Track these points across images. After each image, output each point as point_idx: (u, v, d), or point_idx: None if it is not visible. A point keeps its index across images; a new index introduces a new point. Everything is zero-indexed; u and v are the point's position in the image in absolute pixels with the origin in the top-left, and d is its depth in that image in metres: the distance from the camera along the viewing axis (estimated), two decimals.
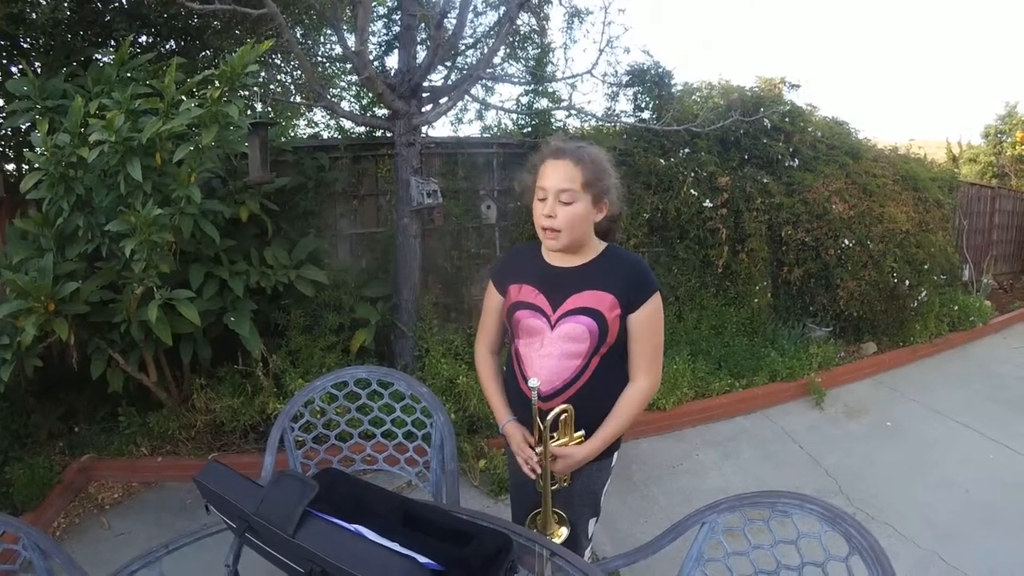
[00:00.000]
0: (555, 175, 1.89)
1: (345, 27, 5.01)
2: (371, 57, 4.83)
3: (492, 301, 2.19)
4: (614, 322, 1.91)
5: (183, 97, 3.20)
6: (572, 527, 2.12)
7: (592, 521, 2.18)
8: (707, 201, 5.81)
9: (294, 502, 1.14)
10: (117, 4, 4.46)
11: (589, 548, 2.24)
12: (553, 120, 5.64)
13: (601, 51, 4.90)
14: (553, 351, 1.94)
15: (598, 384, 1.96)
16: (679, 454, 4.50)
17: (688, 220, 5.77)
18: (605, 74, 5.89)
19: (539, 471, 1.93)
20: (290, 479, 1.19)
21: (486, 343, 2.25)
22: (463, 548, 1.44)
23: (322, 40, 6.80)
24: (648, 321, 1.94)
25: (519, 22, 5.33)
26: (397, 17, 5.41)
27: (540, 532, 1.94)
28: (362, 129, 5.65)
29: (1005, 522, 3.68)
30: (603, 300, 1.91)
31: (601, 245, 2.04)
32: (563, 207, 1.88)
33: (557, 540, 1.90)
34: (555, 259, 2.02)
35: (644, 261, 2.02)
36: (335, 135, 6.30)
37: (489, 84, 6.08)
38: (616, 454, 2.16)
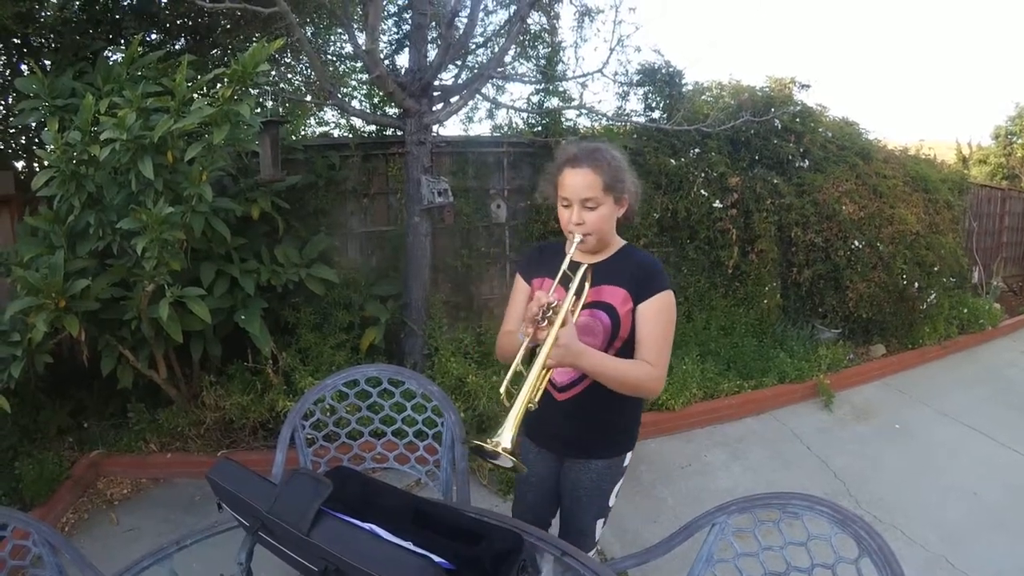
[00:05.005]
0: (576, 184, 1.89)
1: (356, 25, 5.01)
2: (382, 56, 4.83)
3: (520, 294, 2.15)
4: (626, 316, 1.93)
5: (194, 95, 3.22)
6: (579, 524, 2.17)
7: (599, 522, 2.18)
8: (717, 201, 5.80)
9: (308, 500, 1.14)
10: (127, 3, 4.47)
11: (595, 550, 2.24)
12: (564, 119, 5.63)
13: (612, 50, 4.89)
14: None
15: None
16: (688, 455, 4.50)
17: (698, 220, 5.77)
18: (616, 73, 5.87)
19: (541, 324, 1.73)
20: (304, 477, 1.20)
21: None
22: (474, 547, 1.44)
23: (333, 39, 6.81)
24: (656, 313, 1.92)
25: (530, 21, 5.33)
26: (408, 16, 5.41)
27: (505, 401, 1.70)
28: (373, 128, 5.66)
29: (1013, 525, 3.67)
30: (616, 294, 1.93)
31: (620, 242, 2.06)
32: (589, 212, 1.90)
33: (490, 443, 1.57)
34: (576, 256, 1.97)
35: (658, 261, 2.02)
36: (346, 134, 6.30)
37: (500, 83, 6.07)
38: (629, 455, 2.16)
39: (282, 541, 1.23)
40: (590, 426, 2.07)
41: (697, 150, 5.85)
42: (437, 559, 1.25)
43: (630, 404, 2.07)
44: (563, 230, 1.97)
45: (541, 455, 2.19)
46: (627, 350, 1.94)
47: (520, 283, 2.16)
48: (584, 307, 1.90)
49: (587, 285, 1.88)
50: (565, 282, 1.86)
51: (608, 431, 2.10)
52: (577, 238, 1.90)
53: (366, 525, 1.24)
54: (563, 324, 1.71)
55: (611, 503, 2.18)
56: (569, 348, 1.70)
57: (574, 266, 1.89)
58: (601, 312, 1.93)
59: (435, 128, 4.85)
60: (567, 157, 1.94)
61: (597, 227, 1.91)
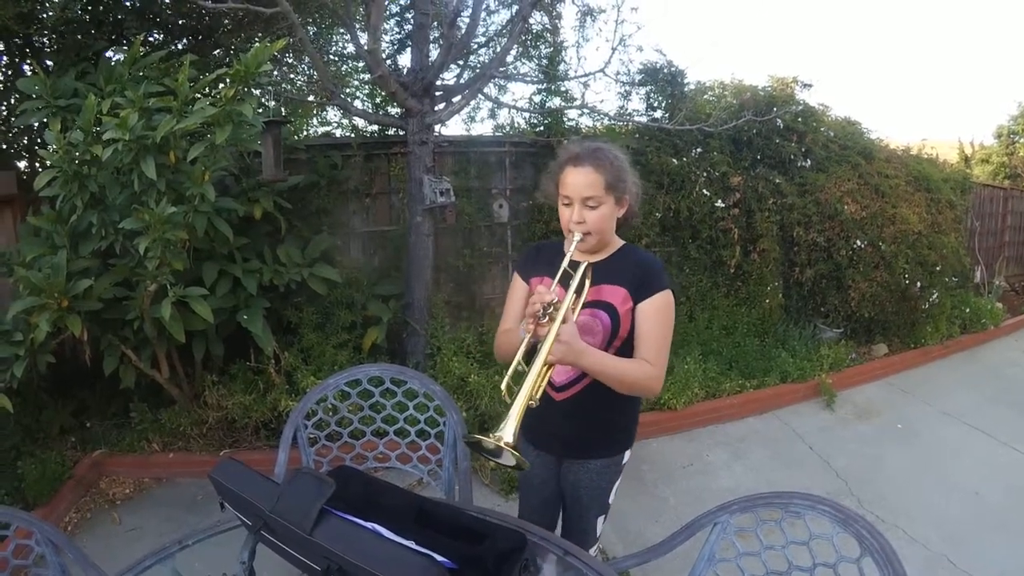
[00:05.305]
0: (578, 183, 1.89)
1: (358, 25, 5.01)
2: (384, 56, 4.84)
3: (518, 292, 2.15)
4: (626, 316, 1.92)
5: (197, 95, 3.22)
6: (581, 523, 2.17)
7: (600, 519, 2.19)
8: (719, 201, 5.80)
9: (311, 500, 1.14)
10: (129, 3, 4.48)
11: (596, 547, 2.24)
12: (566, 119, 5.62)
13: (614, 50, 4.88)
14: None
15: None
16: (690, 454, 4.50)
17: (700, 220, 5.76)
18: (618, 73, 5.86)
19: (542, 320, 1.72)
20: (307, 477, 1.20)
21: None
22: (476, 546, 1.44)
23: (335, 39, 6.81)
24: (656, 313, 1.92)
25: (532, 21, 5.33)
26: (410, 16, 5.41)
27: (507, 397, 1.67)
28: (375, 127, 5.66)
29: (1015, 525, 3.67)
30: (616, 294, 1.93)
31: (619, 242, 2.06)
32: (590, 211, 1.90)
33: (492, 439, 1.54)
34: (576, 255, 1.97)
35: (659, 260, 2.02)
36: (348, 133, 6.31)
37: (502, 83, 6.08)
38: (628, 452, 2.16)
39: (285, 540, 1.23)
40: (589, 425, 2.07)
41: (699, 149, 5.84)
42: (440, 558, 1.25)
43: (629, 403, 2.08)
44: (563, 229, 1.98)
45: (541, 458, 2.20)
46: (626, 349, 1.94)
47: (518, 282, 2.16)
48: (584, 306, 1.90)
49: (587, 283, 1.87)
50: (565, 280, 1.86)
51: (608, 430, 2.11)
52: (577, 237, 1.89)
53: (369, 524, 1.24)
54: (564, 321, 1.71)
55: (611, 500, 2.18)
56: (571, 345, 1.70)
57: (574, 264, 1.89)
58: (601, 311, 1.93)
59: (437, 128, 4.85)
60: (569, 156, 1.94)
61: (597, 226, 1.91)
